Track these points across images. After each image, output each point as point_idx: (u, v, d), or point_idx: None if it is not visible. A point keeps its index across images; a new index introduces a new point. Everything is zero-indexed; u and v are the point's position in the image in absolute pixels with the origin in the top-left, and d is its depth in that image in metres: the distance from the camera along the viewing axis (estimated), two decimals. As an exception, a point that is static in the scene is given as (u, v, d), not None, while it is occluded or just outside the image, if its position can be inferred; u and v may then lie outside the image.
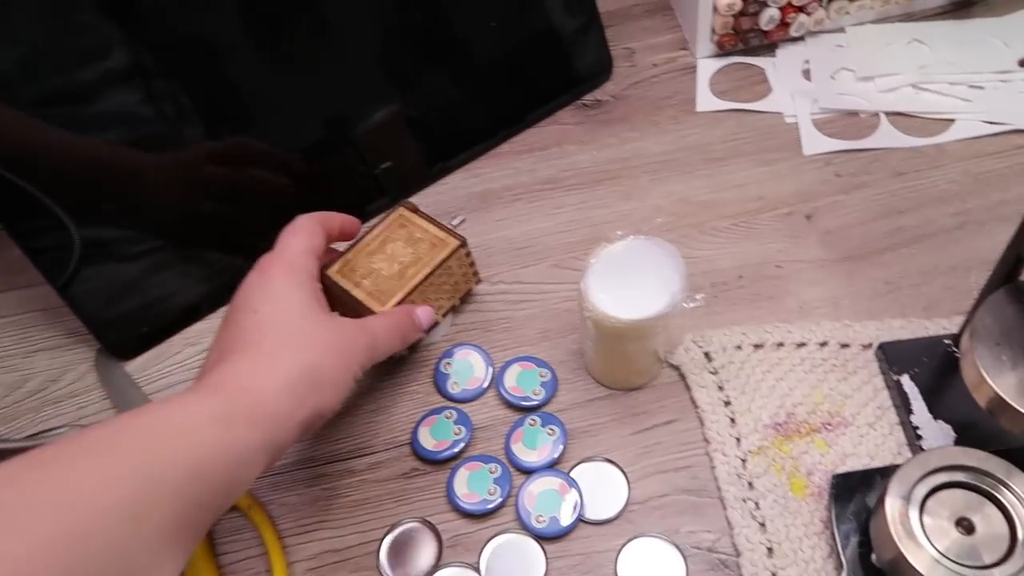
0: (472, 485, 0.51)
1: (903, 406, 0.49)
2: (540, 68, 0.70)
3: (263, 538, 0.50)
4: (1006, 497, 0.40)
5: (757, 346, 0.54)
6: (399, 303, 0.51)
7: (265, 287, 0.45)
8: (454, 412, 0.54)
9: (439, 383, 0.56)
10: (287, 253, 0.47)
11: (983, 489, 0.40)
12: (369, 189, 0.66)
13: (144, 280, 0.59)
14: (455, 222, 0.63)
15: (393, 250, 0.53)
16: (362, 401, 0.56)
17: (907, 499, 0.40)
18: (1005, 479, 0.40)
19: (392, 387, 0.56)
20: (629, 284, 0.48)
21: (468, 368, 0.56)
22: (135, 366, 0.59)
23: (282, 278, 0.46)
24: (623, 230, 0.50)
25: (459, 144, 0.69)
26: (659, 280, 0.48)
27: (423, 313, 0.52)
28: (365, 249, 0.54)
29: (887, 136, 0.65)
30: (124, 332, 0.59)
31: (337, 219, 0.52)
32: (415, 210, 0.56)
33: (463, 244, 0.54)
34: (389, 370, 0.57)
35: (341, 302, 0.52)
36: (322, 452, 0.54)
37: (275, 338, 0.43)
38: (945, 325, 0.53)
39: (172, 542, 0.34)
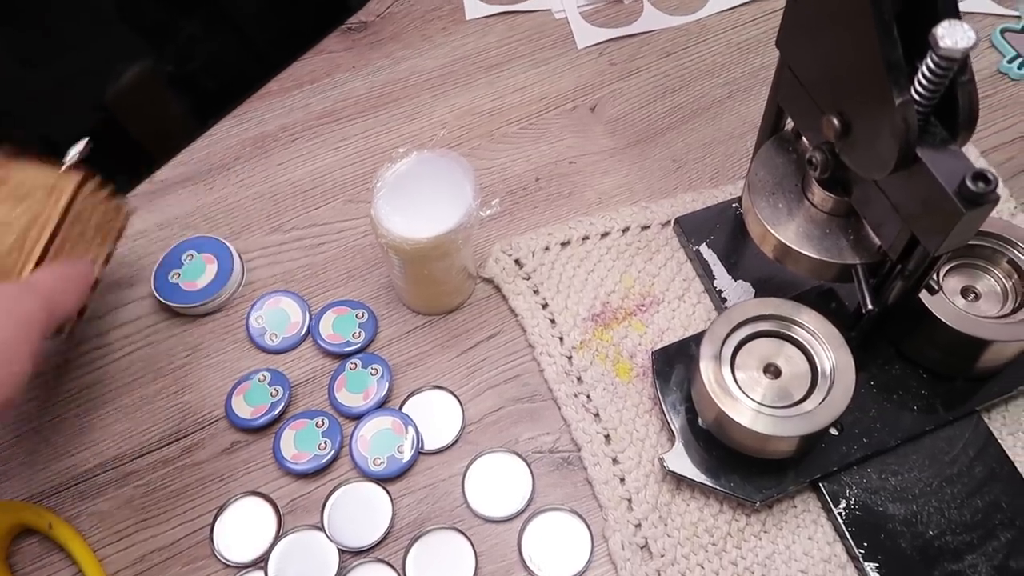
0: (300, 444, 0.47)
1: (706, 274, 0.51)
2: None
3: (73, 556, 0.44)
4: (799, 335, 0.42)
5: (564, 244, 0.53)
6: None
7: None
8: (267, 373, 0.50)
9: (255, 339, 0.51)
10: None
11: (780, 333, 0.43)
12: (131, 154, 0.59)
13: None
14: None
15: (0, 215, 0.41)
16: (162, 384, 0.51)
17: (718, 358, 0.42)
18: (796, 318, 0.42)
19: (193, 363, 0.51)
20: (421, 202, 0.45)
21: (282, 316, 0.52)
22: None
23: None
24: (405, 148, 0.47)
25: (231, 93, 0.63)
26: (450, 192, 0.46)
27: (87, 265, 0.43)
28: None
29: (651, 18, 0.65)
30: None
31: None
32: (7, 155, 0.43)
33: (87, 176, 0.43)
34: (186, 346, 0.52)
35: None
36: (127, 448, 0.49)
37: None
38: (731, 191, 0.55)
39: None
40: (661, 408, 0.46)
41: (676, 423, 0.45)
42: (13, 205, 0.42)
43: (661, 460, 0.44)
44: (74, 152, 0.45)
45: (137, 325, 0.53)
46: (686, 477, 0.44)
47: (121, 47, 0.58)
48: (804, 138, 0.43)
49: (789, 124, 0.45)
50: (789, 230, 0.42)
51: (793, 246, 0.41)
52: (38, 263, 0.41)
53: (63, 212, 0.42)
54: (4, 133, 0.46)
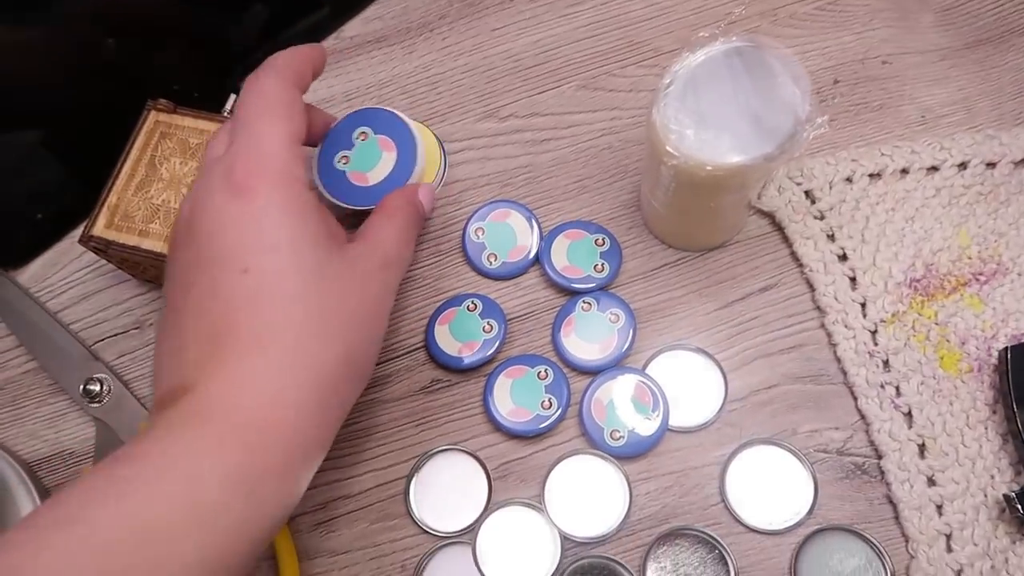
0: (518, 397, 0.38)
1: (1081, 242, 0.37)
2: None
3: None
4: None
5: (873, 176, 0.40)
6: None
7: (252, 224, 0.28)
8: (478, 301, 0.40)
9: (471, 257, 0.42)
10: (267, 155, 0.29)
11: None
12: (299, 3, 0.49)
13: (30, 157, 0.43)
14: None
15: (171, 170, 0.39)
16: (352, 297, 0.42)
17: None
18: None
19: (389, 274, 0.42)
20: (727, 111, 0.33)
21: (507, 233, 0.42)
22: (28, 277, 0.44)
23: (276, 203, 0.29)
24: (704, 30, 0.34)
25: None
26: (770, 101, 0.33)
27: (425, 194, 0.35)
28: (130, 183, 0.39)
29: None
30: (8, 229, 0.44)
31: (305, 59, 0.33)
32: (172, 109, 0.40)
33: None
34: (381, 251, 0.43)
35: (130, 265, 0.41)
36: (309, 370, 0.41)
37: (294, 319, 0.28)
38: (1122, 126, 0.40)
39: None
40: (1007, 420, 0.34)
41: (1034, 449, 0.33)
42: (184, 160, 0.40)
43: (1008, 498, 0.33)
44: (231, 103, 0.43)
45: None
46: (1046, 527, 0.32)
47: None
48: None
49: None
50: None
51: None
52: None
53: None
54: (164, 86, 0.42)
